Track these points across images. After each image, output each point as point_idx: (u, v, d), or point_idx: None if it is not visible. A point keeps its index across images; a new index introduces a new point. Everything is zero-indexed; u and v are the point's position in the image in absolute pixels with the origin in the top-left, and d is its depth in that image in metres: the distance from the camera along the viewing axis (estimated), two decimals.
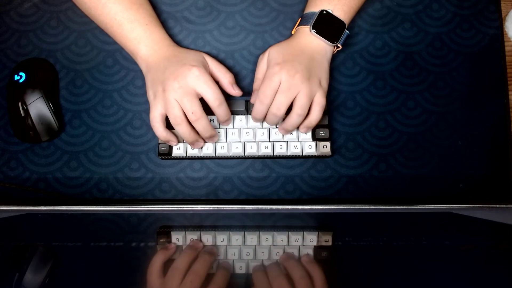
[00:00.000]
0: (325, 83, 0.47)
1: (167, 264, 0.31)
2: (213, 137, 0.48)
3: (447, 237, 0.39)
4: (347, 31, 0.48)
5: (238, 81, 0.53)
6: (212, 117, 0.50)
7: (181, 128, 0.45)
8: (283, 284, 0.29)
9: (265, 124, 0.50)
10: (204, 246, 0.37)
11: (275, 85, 0.45)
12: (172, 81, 0.44)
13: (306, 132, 0.49)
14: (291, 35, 0.50)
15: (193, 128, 0.46)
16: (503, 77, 0.53)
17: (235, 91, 0.49)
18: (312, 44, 0.47)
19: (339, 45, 0.48)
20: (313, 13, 0.47)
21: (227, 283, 0.29)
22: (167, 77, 0.45)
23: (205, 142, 0.49)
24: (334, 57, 0.53)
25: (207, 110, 0.45)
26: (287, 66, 0.45)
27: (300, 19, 0.49)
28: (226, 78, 0.49)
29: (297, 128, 0.49)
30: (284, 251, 0.35)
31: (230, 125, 0.50)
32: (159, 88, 0.45)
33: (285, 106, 0.45)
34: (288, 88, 0.44)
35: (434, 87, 0.53)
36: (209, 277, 0.29)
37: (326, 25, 0.47)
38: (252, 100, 0.50)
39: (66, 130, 0.52)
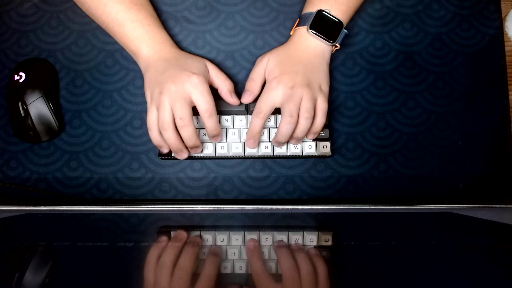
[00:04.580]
0: (325, 87, 0.48)
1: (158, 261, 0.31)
2: (197, 148, 0.48)
3: (447, 237, 0.39)
4: (345, 30, 0.48)
5: (237, 81, 0.53)
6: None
7: (167, 133, 0.45)
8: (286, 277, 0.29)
9: (265, 124, 0.50)
10: (189, 237, 0.37)
11: (271, 102, 0.45)
12: (169, 84, 0.44)
13: (313, 138, 0.49)
14: (290, 35, 0.50)
15: (180, 137, 0.46)
16: (503, 77, 0.53)
17: (233, 100, 0.49)
18: (309, 48, 0.48)
19: (337, 44, 0.48)
20: (310, 13, 0.48)
21: (218, 271, 0.29)
22: (166, 80, 0.45)
23: (189, 153, 0.48)
24: (334, 57, 0.53)
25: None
26: (284, 80, 0.45)
27: (298, 19, 0.50)
28: (225, 86, 0.49)
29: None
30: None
31: (230, 125, 0.50)
32: (156, 89, 0.45)
33: (296, 111, 0.45)
34: (289, 97, 0.45)
35: (434, 87, 0.53)
36: (198, 269, 0.29)
37: (323, 25, 0.47)
38: (242, 100, 0.49)
39: (66, 130, 0.52)
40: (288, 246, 0.35)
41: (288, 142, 0.49)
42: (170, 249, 0.34)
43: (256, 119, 0.46)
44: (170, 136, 0.45)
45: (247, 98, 0.49)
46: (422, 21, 0.55)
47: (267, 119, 0.47)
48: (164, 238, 0.38)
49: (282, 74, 0.46)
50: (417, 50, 0.54)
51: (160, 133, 0.46)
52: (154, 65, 0.47)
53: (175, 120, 0.44)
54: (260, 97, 0.46)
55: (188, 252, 0.32)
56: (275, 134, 0.48)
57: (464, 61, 0.54)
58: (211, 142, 0.50)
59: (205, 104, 0.44)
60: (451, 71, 0.53)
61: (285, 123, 0.45)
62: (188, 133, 0.45)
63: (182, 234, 0.38)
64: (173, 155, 0.50)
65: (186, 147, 0.47)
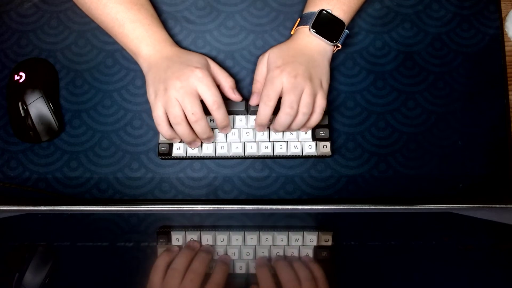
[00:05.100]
0: (325, 84, 0.47)
1: (167, 265, 0.31)
2: (210, 138, 0.48)
3: (447, 237, 0.39)
4: (346, 30, 0.48)
5: (238, 81, 0.53)
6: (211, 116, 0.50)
7: (180, 127, 0.45)
8: (284, 283, 0.29)
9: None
10: (201, 245, 0.37)
11: (277, 87, 0.45)
12: (174, 80, 0.44)
13: (305, 132, 0.50)
14: (291, 35, 0.50)
15: (192, 128, 0.46)
16: (503, 77, 0.53)
17: (235, 96, 0.49)
18: (311, 45, 0.47)
19: (338, 44, 0.48)
20: (312, 13, 0.47)
21: (227, 278, 0.29)
22: (170, 77, 0.45)
23: (202, 142, 0.49)
24: (334, 57, 0.53)
25: (206, 111, 0.45)
26: (287, 69, 0.45)
27: (299, 19, 0.50)
28: (227, 83, 0.49)
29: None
30: (284, 251, 0.35)
31: (230, 125, 0.50)
32: (160, 86, 0.45)
33: (296, 103, 0.44)
34: (292, 87, 0.44)
35: (434, 87, 0.53)
36: (208, 275, 0.29)
37: (325, 24, 0.47)
38: (251, 102, 0.50)
39: (66, 130, 0.52)
40: (284, 258, 0.35)
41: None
42: (180, 257, 0.34)
43: (265, 107, 0.45)
44: (184, 129, 0.45)
45: (255, 100, 0.49)
46: (422, 21, 0.55)
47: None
48: (172, 246, 0.38)
49: (285, 64, 0.45)
50: (417, 50, 0.54)
51: (170, 126, 0.46)
52: (156, 63, 0.47)
53: (187, 115, 0.44)
54: (264, 86, 0.46)
55: (197, 262, 0.32)
56: (273, 122, 0.48)
57: (464, 61, 0.54)
58: (212, 142, 0.50)
59: (212, 97, 0.45)
60: (451, 71, 0.53)
61: (284, 113, 0.45)
62: (201, 127, 0.45)
63: (193, 243, 0.38)
64: (173, 154, 0.50)
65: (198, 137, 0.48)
